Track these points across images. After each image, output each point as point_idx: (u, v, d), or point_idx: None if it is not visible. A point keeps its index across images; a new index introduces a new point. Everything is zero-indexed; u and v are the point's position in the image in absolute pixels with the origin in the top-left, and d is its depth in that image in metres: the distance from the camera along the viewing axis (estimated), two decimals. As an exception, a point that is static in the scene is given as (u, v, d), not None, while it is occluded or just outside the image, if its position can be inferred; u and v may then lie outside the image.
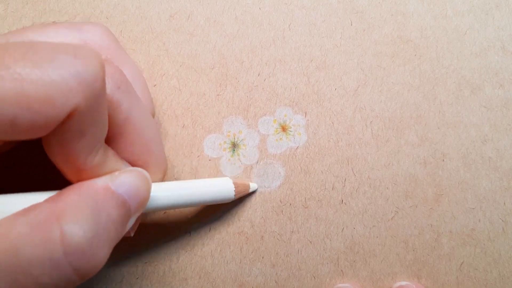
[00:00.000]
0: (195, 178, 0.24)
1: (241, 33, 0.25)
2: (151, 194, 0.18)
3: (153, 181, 0.19)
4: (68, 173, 0.16)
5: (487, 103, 0.25)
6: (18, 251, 0.13)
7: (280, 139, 0.24)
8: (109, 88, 0.16)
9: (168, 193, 0.20)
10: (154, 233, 0.23)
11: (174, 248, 0.23)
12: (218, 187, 0.22)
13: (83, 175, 0.16)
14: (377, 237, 0.23)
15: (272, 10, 0.26)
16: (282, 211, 0.24)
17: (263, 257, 0.23)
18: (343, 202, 0.24)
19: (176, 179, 0.24)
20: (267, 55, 0.25)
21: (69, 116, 0.14)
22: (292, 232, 0.24)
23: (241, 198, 0.24)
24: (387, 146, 0.24)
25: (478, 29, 0.25)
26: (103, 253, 0.15)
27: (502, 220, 0.24)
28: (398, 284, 0.23)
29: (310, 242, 0.23)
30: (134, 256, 0.23)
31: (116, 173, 0.16)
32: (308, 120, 0.24)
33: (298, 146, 0.24)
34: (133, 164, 0.18)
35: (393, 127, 0.24)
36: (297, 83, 0.25)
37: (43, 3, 0.26)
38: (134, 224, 0.19)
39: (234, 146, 0.24)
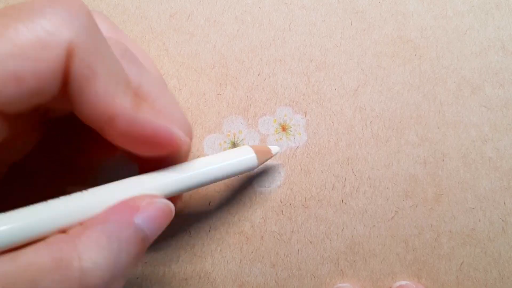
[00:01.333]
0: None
1: (241, 33, 0.25)
2: (175, 177, 0.18)
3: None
4: (102, 125, 0.15)
5: (487, 103, 0.25)
6: (37, 284, 0.13)
7: (280, 139, 0.24)
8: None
9: (190, 173, 0.19)
10: (154, 233, 0.23)
11: (174, 248, 0.23)
12: (239, 158, 0.20)
13: (120, 123, 0.15)
14: (377, 237, 0.23)
15: (272, 10, 0.26)
16: (282, 211, 0.24)
17: (263, 257, 0.23)
18: (343, 202, 0.24)
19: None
20: (267, 55, 0.25)
21: (70, 56, 0.14)
22: (292, 232, 0.24)
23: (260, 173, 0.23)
24: (387, 146, 0.24)
25: (478, 29, 0.25)
26: (118, 284, 0.15)
27: (502, 220, 0.24)
28: (398, 283, 0.23)
29: (310, 242, 0.23)
30: (134, 256, 0.23)
31: (144, 202, 0.16)
32: (308, 120, 0.24)
33: (298, 146, 0.24)
34: None
35: (393, 127, 0.24)
36: (297, 83, 0.25)
37: (43, 3, 0.26)
38: None
39: (234, 145, 0.24)
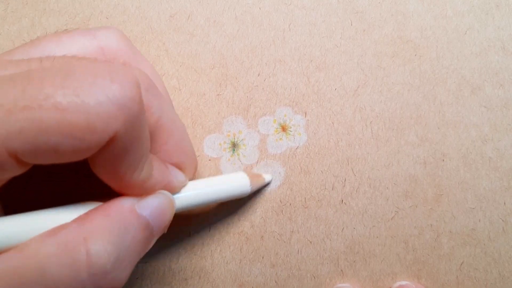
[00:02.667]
0: (195, 178, 0.24)
1: (241, 33, 0.25)
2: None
3: (189, 181, 0.20)
4: (115, 188, 0.16)
5: (487, 103, 0.25)
6: (45, 270, 0.13)
7: (280, 139, 0.24)
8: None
9: (184, 194, 0.19)
10: (154, 233, 0.23)
11: (174, 248, 0.23)
12: (234, 183, 0.21)
13: (129, 190, 0.16)
14: (377, 237, 0.23)
15: (272, 10, 0.26)
16: (282, 211, 0.24)
17: (263, 257, 0.23)
18: (343, 202, 0.24)
19: (176, 179, 0.24)
20: (267, 55, 0.25)
21: (111, 140, 0.14)
22: (292, 232, 0.24)
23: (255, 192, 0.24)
24: (387, 146, 0.24)
25: (478, 29, 0.25)
26: (125, 274, 0.15)
27: (502, 220, 0.24)
28: (398, 284, 0.23)
29: (310, 242, 0.23)
30: (134, 256, 0.23)
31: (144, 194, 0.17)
32: (308, 120, 0.24)
33: (298, 146, 0.24)
34: (169, 163, 0.19)
35: (393, 127, 0.24)
36: (297, 83, 0.25)
37: (43, 3, 0.26)
38: None
39: (234, 146, 0.24)
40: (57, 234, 0.14)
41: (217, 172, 0.24)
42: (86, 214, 0.15)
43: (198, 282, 0.23)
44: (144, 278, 0.23)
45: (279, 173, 0.24)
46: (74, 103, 0.13)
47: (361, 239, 0.23)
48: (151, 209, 0.17)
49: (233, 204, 0.24)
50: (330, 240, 0.23)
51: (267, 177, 0.23)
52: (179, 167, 0.19)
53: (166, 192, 0.18)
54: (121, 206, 0.16)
